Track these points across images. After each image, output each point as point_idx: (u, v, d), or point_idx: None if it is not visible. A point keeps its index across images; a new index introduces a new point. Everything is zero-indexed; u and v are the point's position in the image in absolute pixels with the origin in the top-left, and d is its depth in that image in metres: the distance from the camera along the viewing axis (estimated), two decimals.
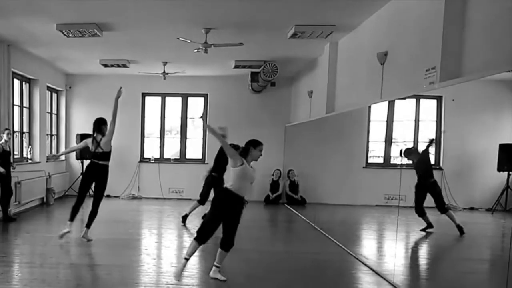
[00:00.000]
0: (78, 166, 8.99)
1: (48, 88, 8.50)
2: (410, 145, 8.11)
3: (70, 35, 5.71)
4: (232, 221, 3.76)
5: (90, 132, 9.32)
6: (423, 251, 5.54)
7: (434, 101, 8.08)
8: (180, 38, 5.52)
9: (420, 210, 5.56)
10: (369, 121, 8.57)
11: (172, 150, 9.48)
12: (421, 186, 5.56)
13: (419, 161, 5.66)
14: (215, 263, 3.89)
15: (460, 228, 5.43)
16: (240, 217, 3.80)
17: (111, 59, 7.55)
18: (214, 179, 6.11)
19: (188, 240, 5.46)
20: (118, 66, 7.81)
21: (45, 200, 8.06)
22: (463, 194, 7.29)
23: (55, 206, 7.97)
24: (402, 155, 5.79)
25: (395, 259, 5.04)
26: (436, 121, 8.01)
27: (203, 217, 5.38)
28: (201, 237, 3.75)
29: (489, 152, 7.40)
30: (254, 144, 3.81)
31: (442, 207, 5.51)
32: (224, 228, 3.80)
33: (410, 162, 5.78)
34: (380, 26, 4.99)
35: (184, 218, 6.43)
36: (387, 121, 8.13)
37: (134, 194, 8.00)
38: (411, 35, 4.26)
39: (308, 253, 4.97)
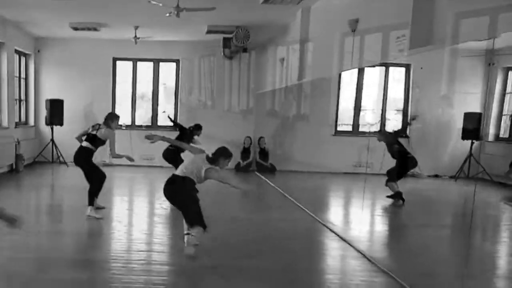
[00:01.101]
0: (48, 132, 8.81)
1: (16, 51, 8.17)
2: (378, 112, 8.26)
3: None
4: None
5: (60, 97, 9.08)
6: (388, 217, 5.76)
7: (403, 69, 8.20)
8: (152, 1, 5.36)
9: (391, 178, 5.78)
10: (339, 88, 8.66)
11: (143, 116, 9.38)
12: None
13: (389, 144, 5.82)
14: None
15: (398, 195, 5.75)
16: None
17: (82, 22, 7.28)
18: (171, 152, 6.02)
19: (159, 207, 5.55)
20: (89, 29, 7.54)
21: (14, 167, 7.90)
22: (428, 162, 7.55)
23: (24, 172, 7.84)
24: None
25: (360, 225, 5.24)
26: (404, 89, 8.17)
27: None
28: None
29: (454, 121, 7.63)
30: (225, 155, 3.70)
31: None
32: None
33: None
34: None
35: None
36: (356, 89, 8.23)
37: (105, 161, 7.93)
38: (382, 2, 4.26)
39: (276, 220, 5.06)
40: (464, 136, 7.11)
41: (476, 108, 7.30)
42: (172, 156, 5.93)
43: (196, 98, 9.18)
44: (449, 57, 7.52)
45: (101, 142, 4.87)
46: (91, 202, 4.82)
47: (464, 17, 3.27)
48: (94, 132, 4.86)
